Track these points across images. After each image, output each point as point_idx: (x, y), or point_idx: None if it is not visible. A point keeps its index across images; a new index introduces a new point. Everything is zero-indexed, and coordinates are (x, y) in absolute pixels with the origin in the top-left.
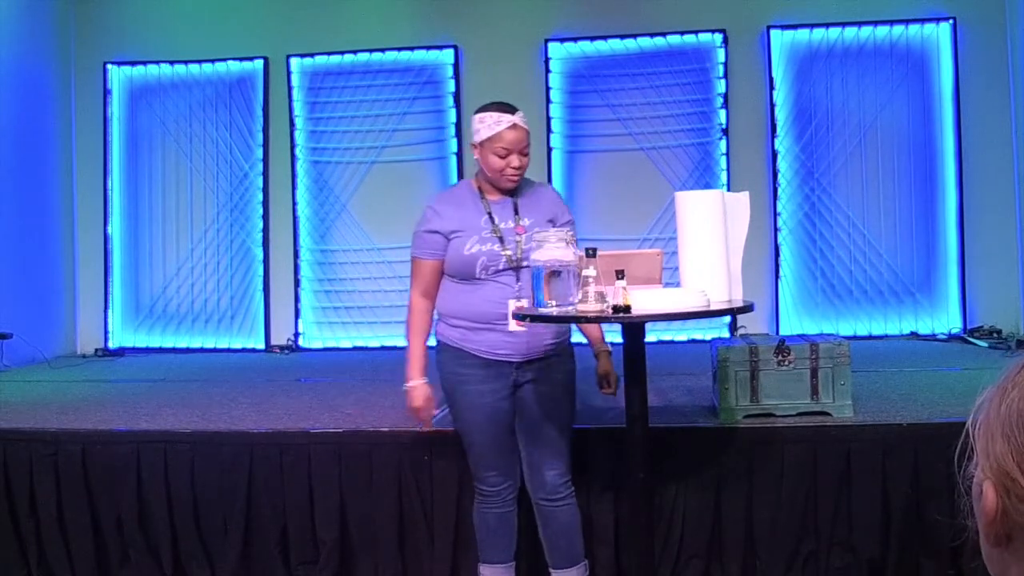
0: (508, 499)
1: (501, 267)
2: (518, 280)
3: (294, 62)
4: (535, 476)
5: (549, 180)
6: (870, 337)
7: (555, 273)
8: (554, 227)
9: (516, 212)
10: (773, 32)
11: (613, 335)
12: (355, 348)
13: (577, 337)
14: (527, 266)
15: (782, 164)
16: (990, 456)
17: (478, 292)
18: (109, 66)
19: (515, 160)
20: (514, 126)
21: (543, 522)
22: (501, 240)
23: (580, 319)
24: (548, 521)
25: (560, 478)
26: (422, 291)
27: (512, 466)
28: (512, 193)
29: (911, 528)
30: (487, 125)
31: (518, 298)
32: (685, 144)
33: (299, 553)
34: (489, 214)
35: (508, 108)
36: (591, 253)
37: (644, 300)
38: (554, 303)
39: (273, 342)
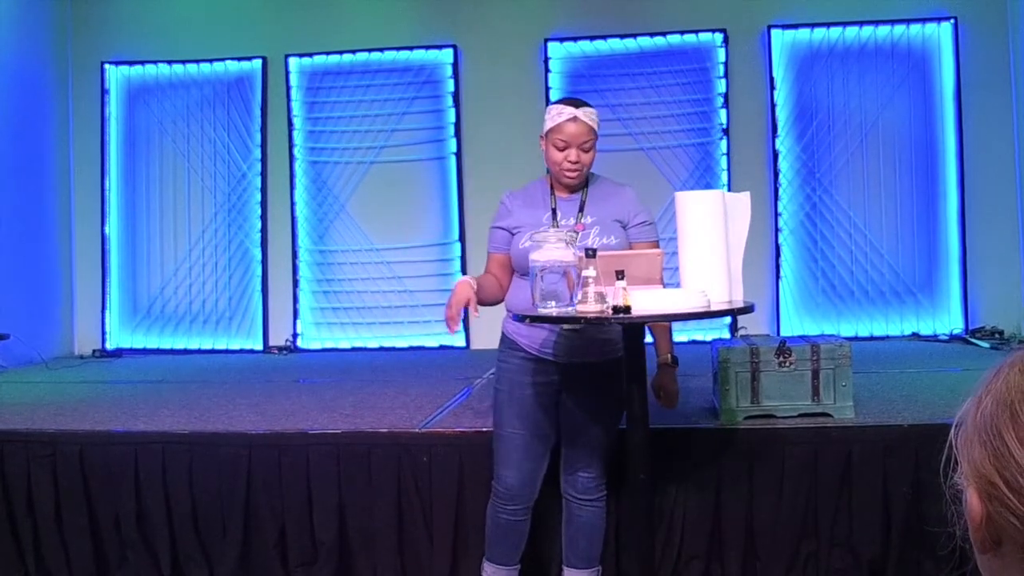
0: (519, 509)
1: None
2: None
3: (292, 62)
4: (569, 473)
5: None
6: (871, 338)
7: (555, 273)
8: (624, 228)
9: (581, 210)
10: (774, 32)
11: None
12: (354, 349)
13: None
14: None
15: (783, 164)
16: (971, 463)
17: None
18: (107, 66)
19: (573, 154)
20: (575, 119)
21: (568, 517)
22: None
23: (579, 320)
24: (572, 518)
25: (592, 481)
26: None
27: (531, 475)
28: (583, 191)
29: (912, 529)
30: (551, 117)
31: None
32: (685, 144)
33: (297, 554)
34: (553, 210)
35: (575, 102)
36: (591, 253)
37: (644, 301)
38: (553, 303)
39: (271, 343)
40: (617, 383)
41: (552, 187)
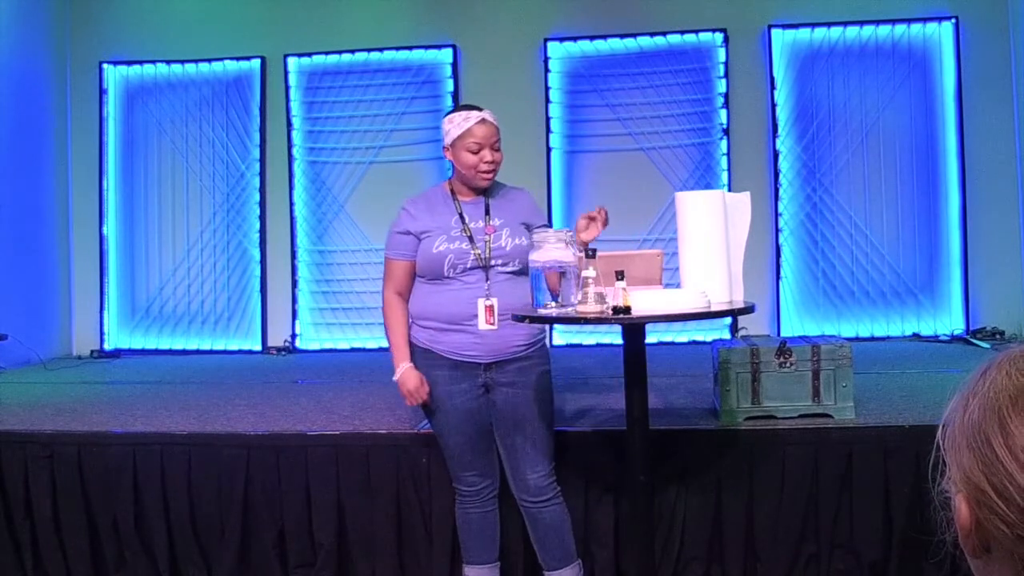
0: (487, 499)
1: (469, 266)
2: (487, 280)
3: (291, 61)
4: (518, 479)
5: (548, 180)
6: (872, 338)
7: (559, 274)
8: (529, 230)
9: (487, 212)
10: (774, 31)
11: (613, 336)
12: (352, 349)
13: (557, 339)
14: (495, 266)
15: (783, 164)
16: (960, 469)
17: (446, 292)
18: (105, 66)
19: (487, 155)
20: (483, 121)
21: (531, 524)
22: (471, 239)
23: (580, 320)
24: (536, 523)
25: (544, 480)
26: (395, 290)
27: (490, 466)
28: (485, 194)
29: (913, 531)
30: (456, 124)
31: (487, 297)
32: (685, 144)
33: (296, 556)
34: (460, 214)
35: (475, 107)
36: (591, 254)
37: (644, 301)
38: (553, 304)
39: (270, 343)
40: (544, 374)
41: (453, 192)
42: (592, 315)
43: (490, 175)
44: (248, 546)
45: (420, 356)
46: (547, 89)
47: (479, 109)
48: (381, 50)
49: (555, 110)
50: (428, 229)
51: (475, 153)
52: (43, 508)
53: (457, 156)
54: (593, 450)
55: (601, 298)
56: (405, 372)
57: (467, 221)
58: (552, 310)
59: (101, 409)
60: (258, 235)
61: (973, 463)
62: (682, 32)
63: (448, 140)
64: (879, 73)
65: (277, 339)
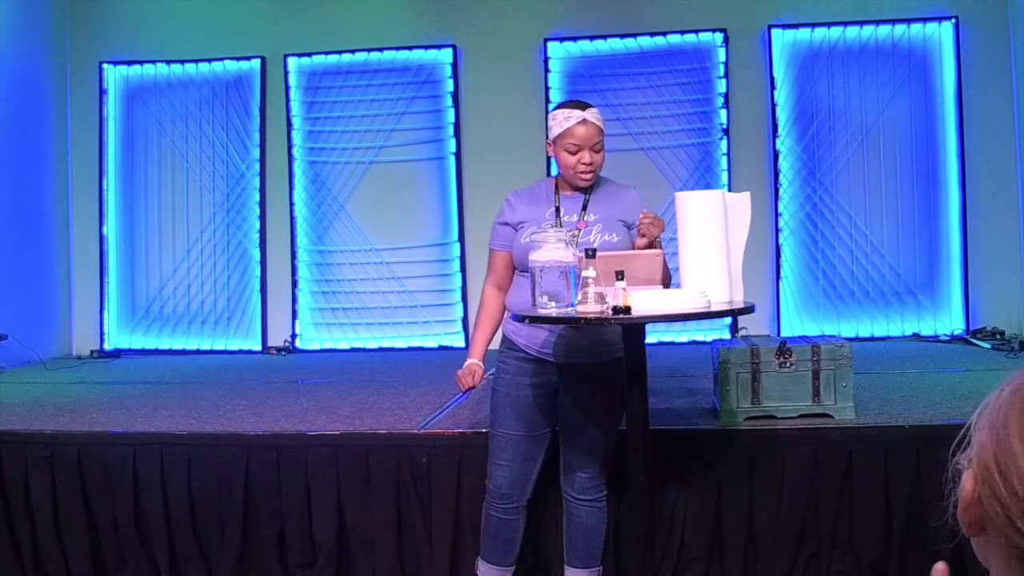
0: (510, 508)
1: None
2: None
3: (291, 61)
4: (568, 474)
5: None
6: (872, 338)
7: (556, 273)
8: (628, 228)
9: (584, 208)
10: (774, 31)
11: None
12: (352, 349)
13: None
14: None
15: (783, 164)
16: (977, 444)
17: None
18: (105, 65)
19: (586, 156)
20: (584, 122)
21: (567, 517)
22: None
23: (579, 320)
24: (571, 517)
25: (589, 481)
26: (494, 282)
27: (521, 475)
28: (588, 190)
29: (913, 531)
30: (558, 122)
31: None
32: (685, 144)
33: (296, 556)
34: (557, 208)
35: (580, 104)
36: (591, 254)
37: (644, 301)
38: (552, 304)
39: (270, 343)
40: (617, 384)
41: (557, 187)
42: (592, 315)
43: (588, 176)
44: (248, 546)
45: (506, 344)
46: (547, 89)
47: (583, 107)
48: (381, 50)
49: None
50: (523, 220)
51: (573, 154)
52: (43, 508)
53: (557, 154)
54: None
55: (601, 298)
56: (468, 364)
57: (562, 215)
58: (552, 310)
59: (101, 409)
60: (258, 235)
61: (989, 443)
62: (682, 32)
63: (550, 136)
64: (879, 73)
65: (277, 339)
